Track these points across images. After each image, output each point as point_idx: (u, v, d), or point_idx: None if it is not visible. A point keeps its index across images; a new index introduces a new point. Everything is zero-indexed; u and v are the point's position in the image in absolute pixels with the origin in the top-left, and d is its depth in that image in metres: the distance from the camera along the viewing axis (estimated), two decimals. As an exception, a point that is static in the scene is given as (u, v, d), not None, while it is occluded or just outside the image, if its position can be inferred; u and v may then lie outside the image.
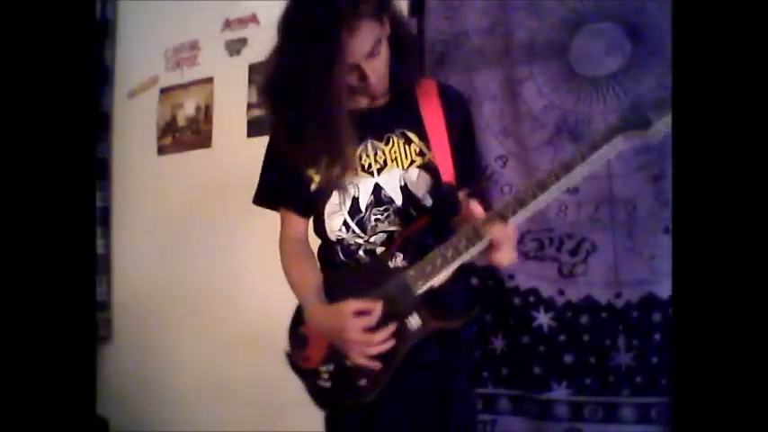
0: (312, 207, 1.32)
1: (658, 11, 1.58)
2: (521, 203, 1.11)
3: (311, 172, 1.27)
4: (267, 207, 1.39)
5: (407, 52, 1.26)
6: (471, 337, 1.37)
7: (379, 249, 1.25)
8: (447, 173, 1.24)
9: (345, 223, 1.27)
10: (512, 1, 1.76)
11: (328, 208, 1.28)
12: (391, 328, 1.17)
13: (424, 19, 1.88)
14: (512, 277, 1.72)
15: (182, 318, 2.43)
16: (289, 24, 1.15)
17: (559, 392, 1.65)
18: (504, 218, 1.11)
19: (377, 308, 1.16)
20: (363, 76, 1.17)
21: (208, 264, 2.37)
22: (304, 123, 1.17)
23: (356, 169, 1.24)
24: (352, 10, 1.09)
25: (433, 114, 1.26)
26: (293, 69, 1.13)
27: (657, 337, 1.58)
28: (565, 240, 1.68)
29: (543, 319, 1.68)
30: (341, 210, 1.27)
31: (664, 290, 1.56)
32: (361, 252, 1.26)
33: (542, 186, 1.10)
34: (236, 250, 2.28)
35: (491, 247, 1.12)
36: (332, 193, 1.27)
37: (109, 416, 2.41)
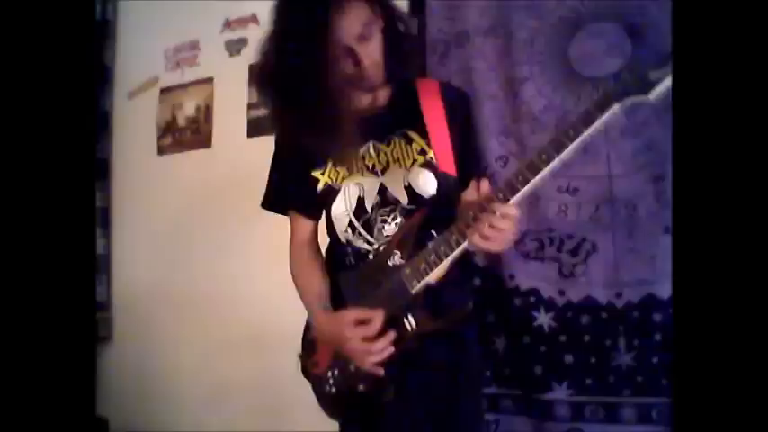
0: (319, 208, 1.31)
1: (658, 11, 1.57)
2: (512, 189, 1.06)
3: (317, 173, 1.27)
4: (276, 211, 1.37)
5: (404, 48, 1.25)
6: (475, 337, 1.35)
7: None
8: (446, 165, 1.23)
9: (351, 224, 1.25)
10: (512, 1, 1.76)
11: (334, 209, 1.27)
12: (391, 336, 1.16)
13: (424, 19, 1.88)
14: (512, 277, 1.72)
15: (182, 318, 2.43)
16: (279, 10, 1.17)
17: (560, 392, 1.65)
18: (506, 198, 1.07)
19: (377, 317, 1.15)
20: (357, 61, 1.16)
21: (208, 263, 2.37)
22: (304, 110, 1.16)
23: (362, 167, 1.24)
24: None
25: (434, 112, 1.25)
26: (288, 54, 1.13)
27: (658, 337, 1.58)
28: (565, 240, 1.68)
29: (544, 319, 1.68)
30: (346, 210, 1.26)
31: (664, 290, 1.56)
32: (370, 257, 1.24)
33: (534, 170, 1.05)
34: (235, 250, 2.28)
35: (487, 231, 1.07)
36: (337, 194, 1.26)
37: (109, 416, 2.41)
